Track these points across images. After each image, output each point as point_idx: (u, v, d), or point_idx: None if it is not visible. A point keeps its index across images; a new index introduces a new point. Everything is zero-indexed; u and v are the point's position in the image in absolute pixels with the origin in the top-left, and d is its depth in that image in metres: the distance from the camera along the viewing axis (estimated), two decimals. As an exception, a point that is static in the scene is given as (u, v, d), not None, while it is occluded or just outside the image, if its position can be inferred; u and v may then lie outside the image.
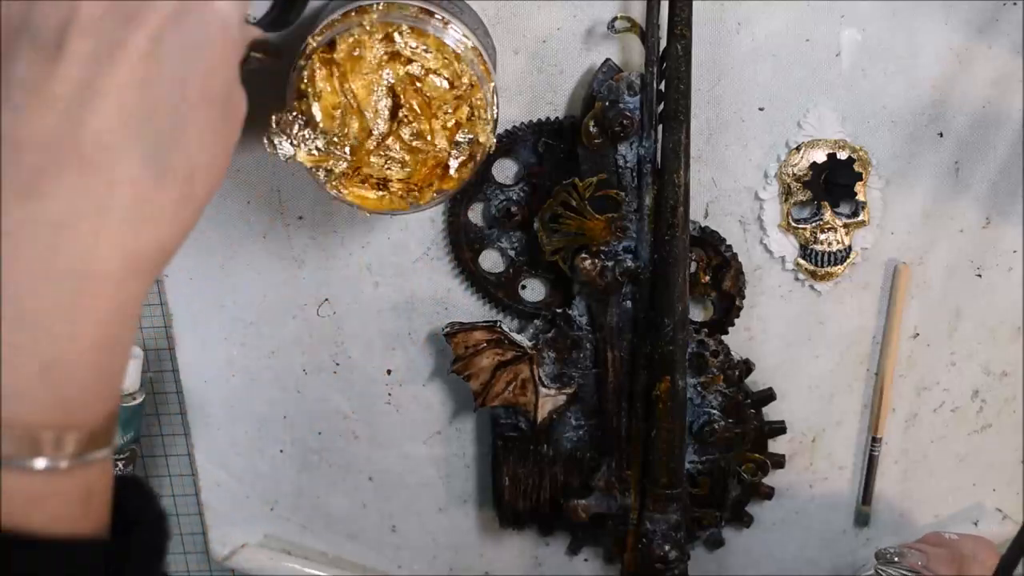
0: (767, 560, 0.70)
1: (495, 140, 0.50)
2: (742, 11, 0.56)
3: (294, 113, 0.48)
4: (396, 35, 0.48)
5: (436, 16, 0.48)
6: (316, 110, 0.48)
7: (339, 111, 0.49)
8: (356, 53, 0.48)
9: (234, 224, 0.61)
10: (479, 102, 0.49)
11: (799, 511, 0.68)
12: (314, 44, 0.48)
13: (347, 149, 0.49)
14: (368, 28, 0.47)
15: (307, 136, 0.48)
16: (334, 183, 0.50)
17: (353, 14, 0.47)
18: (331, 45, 0.48)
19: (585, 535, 0.68)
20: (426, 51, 0.48)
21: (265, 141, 0.48)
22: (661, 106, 0.56)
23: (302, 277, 0.63)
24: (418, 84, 0.49)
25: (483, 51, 0.49)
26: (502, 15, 0.55)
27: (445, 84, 0.49)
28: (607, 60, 0.55)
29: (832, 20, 0.56)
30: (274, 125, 0.48)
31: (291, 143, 0.48)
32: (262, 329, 0.64)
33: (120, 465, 0.65)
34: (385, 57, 0.48)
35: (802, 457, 0.67)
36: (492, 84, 0.49)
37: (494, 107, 0.49)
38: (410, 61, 0.48)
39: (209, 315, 0.64)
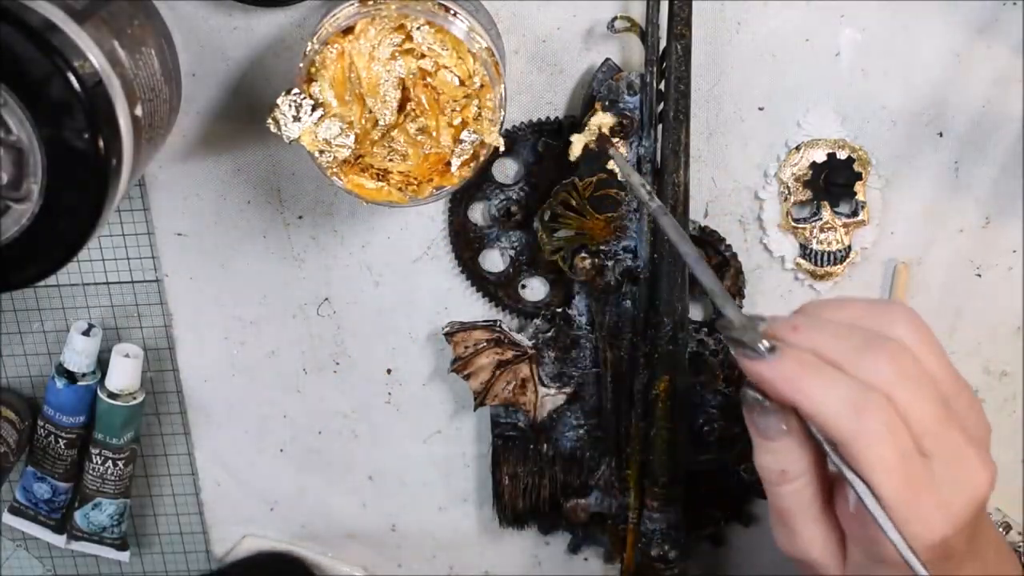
0: (767, 559, 0.70)
1: (503, 142, 0.49)
2: (742, 11, 0.56)
3: (304, 95, 0.48)
4: (414, 29, 0.47)
5: (453, 12, 0.48)
6: (330, 95, 0.48)
7: (348, 97, 0.48)
8: (370, 42, 0.48)
9: (234, 224, 0.61)
10: (488, 103, 0.49)
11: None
12: (330, 29, 0.47)
13: (351, 137, 0.49)
14: (385, 17, 0.47)
15: (315, 120, 0.48)
16: (335, 169, 0.50)
17: (371, 2, 0.47)
18: (346, 32, 0.48)
19: (585, 535, 0.68)
20: (442, 47, 0.48)
21: (269, 121, 0.48)
22: (661, 106, 0.56)
23: (302, 277, 0.63)
24: (428, 79, 0.49)
25: (496, 52, 0.49)
26: (502, 15, 0.55)
27: (456, 81, 0.48)
28: (607, 60, 0.55)
29: (832, 20, 0.56)
30: (281, 106, 0.48)
31: (298, 125, 0.48)
32: (262, 329, 0.64)
33: (121, 464, 0.65)
34: (398, 49, 0.48)
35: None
36: (502, 86, 0.49)
37: (502, 109, 0.49)
38: (423, 56, 0.48)
39: (209, 315, 0.64)
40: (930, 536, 0.40)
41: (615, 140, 0.55)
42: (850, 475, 0.40)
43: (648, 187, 0.47)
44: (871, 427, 0.39)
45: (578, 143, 0.55)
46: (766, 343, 0.41)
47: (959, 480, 0.41)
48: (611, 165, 0.56)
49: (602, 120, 0.55)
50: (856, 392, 0.40)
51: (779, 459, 0.42)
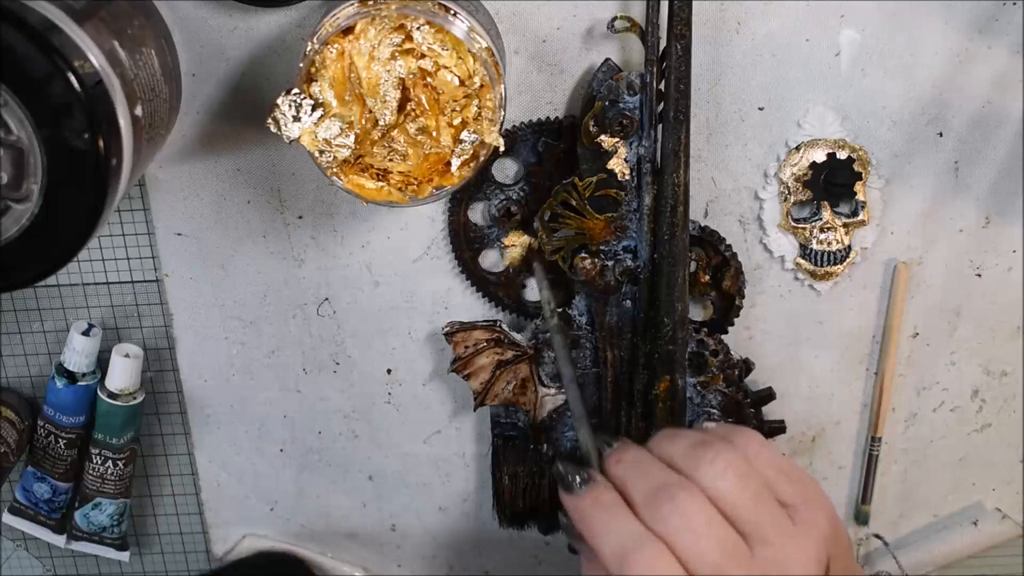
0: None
1: (503, 141, 0.49)
2: (742, 11, 0.56)
3: (304, 95, 0.48)
4: (414, 29, 0.47)
5: (453, 12, 0.48)
6: (330, 95, 0.48)
7: (348, 97, 0.48)
8: (370, 42, 0.48)
9: (234, 224, 0.61)
10: (488, 103, 0.49)
11: (799, 511, 0.68)
12: (330, 29, 0.47)
13: (351, 137, 0.49)
14: (385, 17, 0.47)
15: (315, 120, 0.48)
16: (335, 170, 0.50)
17: (371, 2, 0.47)
18: (346, 32, 0.48)
19: (585, 535, 0.68)
20: (442, 48, 0.48)
21: (269, 121, 0.48)
22: (661, 106, 0.56)
23: (302, 277, 0.63)
24: (429, 79, 0.49)
25: (496, 52, 0.49)
26: (502, 15, 0.55)
27: (456, 81, 0.48)
28: (607, 60, 0.55)
29: (832, 20, 0.56)
30: (281, 106, 0.48)
31: (298, 125, 0.48)
32: (262, 329, 0.64)
33: (121, 464, 0.65)
34: (398, 49, 0.48)
35: (802, 457, 0.67)
36: (502, 86, 0.49)
37: (502, 109, 0.49)
38: (423, 56, 0.48)
39: (209, 315, 0.64)
40: None
41: (614, 139, 0.56)
42: None
43: (552, 306, 0.51)
44: (633, 573, 0.41)
45: (513, 251, 0.61)
46: (579, 477, 0.45)
47: None
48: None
49: (520, 240, 0.60)
50: (628, 539, 0.42)
51: (597, 572, 0.45)
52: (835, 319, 0.63)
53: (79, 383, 0.63)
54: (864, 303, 0.63)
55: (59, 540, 0.68)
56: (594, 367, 0.62)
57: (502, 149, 0.50)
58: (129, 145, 0.46)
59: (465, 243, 0.61)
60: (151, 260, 0.63)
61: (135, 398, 0.64)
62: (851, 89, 0.58)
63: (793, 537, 0.43)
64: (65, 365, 0.63)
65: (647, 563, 0.41)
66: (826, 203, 0.60)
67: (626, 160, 0.56)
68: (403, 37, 0.48)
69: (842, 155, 0.59)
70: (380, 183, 0.51)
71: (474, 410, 0.63)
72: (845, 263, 0.61)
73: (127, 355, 0.63)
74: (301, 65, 0.48)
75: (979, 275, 0.62)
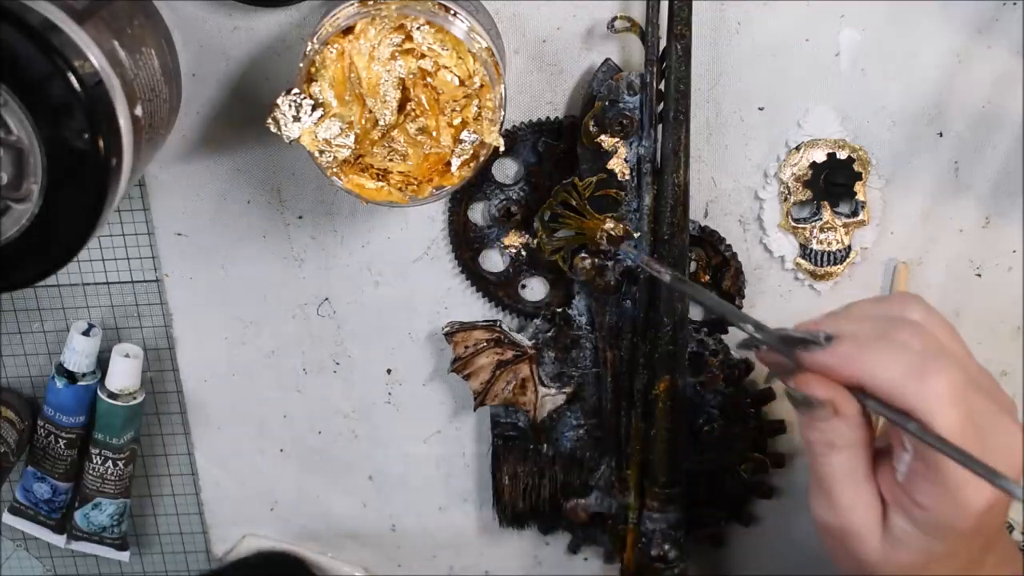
0: (767, 559, 0.70)
1: (503, 141, 0.49)
2: (742, 11, 0.56)
3: (304, 95, 0.48)
4: (414, 29, 0.47)
5: (453, 12, 0.48)
6: (330, 95, 0.48)
7: (348, 97, 0.49)
8: (370, 42, 0.48)
9: (234, 224, 0.61)
10: (488, 103, 0.49)
11: (799, 510, 0.68)
12: (330, 29, 0.47)
13: (351, 137, 0.49)
14: (385, 17, 0.47)
15: (315, 120, 0.48)
16: (335, 169, 0.50)
17: (371, 2, 0.47)
18: (346, 32, 0.48)
19: (585, 535, 0.68)
20: (442, 48, 0.48)
21: (269, 121, 0.48)
22: (661, 106, 0.56)
23: (302, 277, 0.63)
24: (429, 79, 0.49)
25: (496, 52, 0.49)
26: (502, 15, 0.55)
27: (456, 81, 0.48)
28: (607, 60, 0.55)
29: (832, 20, 0.56)
30: (281, 106, 0.48)
31: (298, 125, 0.48)
32: (262, 329, 0.64)
33: (121, 464, 0.65)
34: (398, 49, 0.48)
35: (802, 456, 0.67)
36: (502, 86, 0.49)
37: (502, 109, 0.49)
38: (423, 56, 0.48)
39: (209, 315, 0.64)
40: (981, 501, 0.40)
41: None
42: (919, 433, 0.40)
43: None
44: (937, 389, 0.40)
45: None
46: (822, 334, 0.42)
47: (1001, 446, 0.41)
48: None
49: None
50: (917, 357, 0.40)
51: (827, 435, 0.43)
52: (835, 319, 0.63)
53: (79, 383, 0.63)
54: (864, 303, 0.63)
55: (59, 540, 0.68)
56: (594, 367, 0.62)
57: (502, 149, 0.50)
58: (129, 145, 0.46)
59: (465, 243, 0.61)
60: (151, 260, 0.63)
61: (135, 398, 0.64)
62: (851, 89, 0.58)
63: (995, 382, 0.44)
64: (65, 365, 0.63)
65: (945, 373, 0.40)
66: (826, 203, 0.60)
67: (626, 160, 0.56)
68: (403, 37, 0.48)
69: (842, 155, 0.59)
70: (380, 183, 0.51)
71: (474, 410, 0.63)
72: (845, 263, 0.61)
73: (127, 355, 0.63)
74: (301, 65, 0.48)
75: (979, 275, 0.62)
